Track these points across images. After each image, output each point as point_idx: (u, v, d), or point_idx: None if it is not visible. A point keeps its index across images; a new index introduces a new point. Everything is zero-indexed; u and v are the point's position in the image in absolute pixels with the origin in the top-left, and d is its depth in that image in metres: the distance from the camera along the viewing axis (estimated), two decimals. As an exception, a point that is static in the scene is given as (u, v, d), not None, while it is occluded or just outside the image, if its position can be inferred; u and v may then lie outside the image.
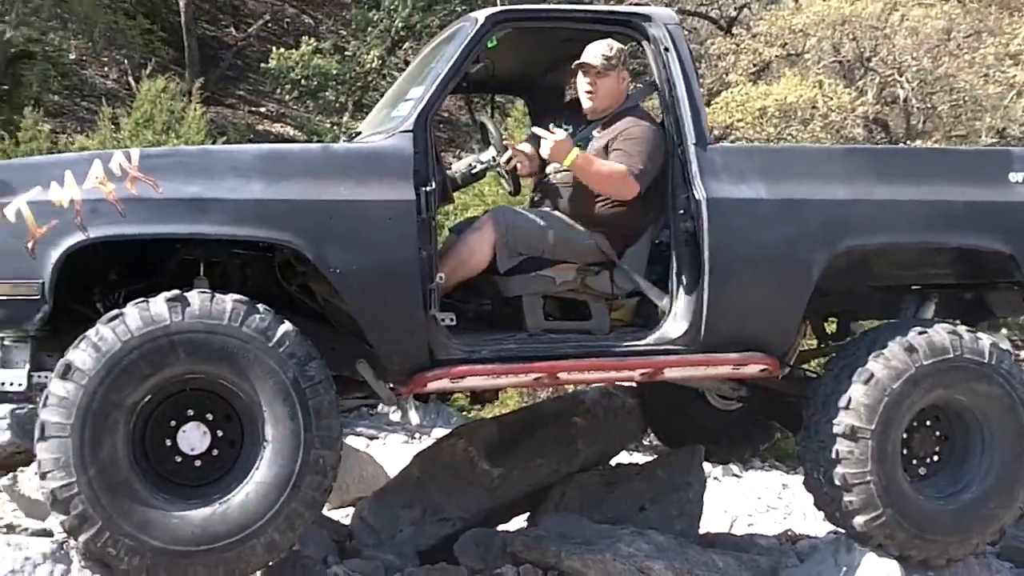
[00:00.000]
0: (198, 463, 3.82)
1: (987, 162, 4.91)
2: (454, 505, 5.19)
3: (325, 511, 5.68)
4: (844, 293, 5.00)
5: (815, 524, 6.23)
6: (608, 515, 5.18)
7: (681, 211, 4.39)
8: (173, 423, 3.80)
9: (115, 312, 3.71)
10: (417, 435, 8.46)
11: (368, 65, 14.66)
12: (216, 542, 3.68)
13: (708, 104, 13.41)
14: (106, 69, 15.66)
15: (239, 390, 3.78)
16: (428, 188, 4.08)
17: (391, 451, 7.47)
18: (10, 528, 4.77)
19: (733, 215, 4.35)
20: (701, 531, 5.41)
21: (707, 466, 5.92)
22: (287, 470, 3.77)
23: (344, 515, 5.77)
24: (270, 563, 3.85)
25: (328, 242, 3.94)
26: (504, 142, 4.78)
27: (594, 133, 4.68)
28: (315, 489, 3.82)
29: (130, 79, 14.78)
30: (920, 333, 4.45)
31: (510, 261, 4.50)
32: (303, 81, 14.71)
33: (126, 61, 15.21)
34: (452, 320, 4.31)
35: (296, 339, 3.82)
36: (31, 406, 5.89)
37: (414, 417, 8.94)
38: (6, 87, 12.99)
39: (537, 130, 4.63)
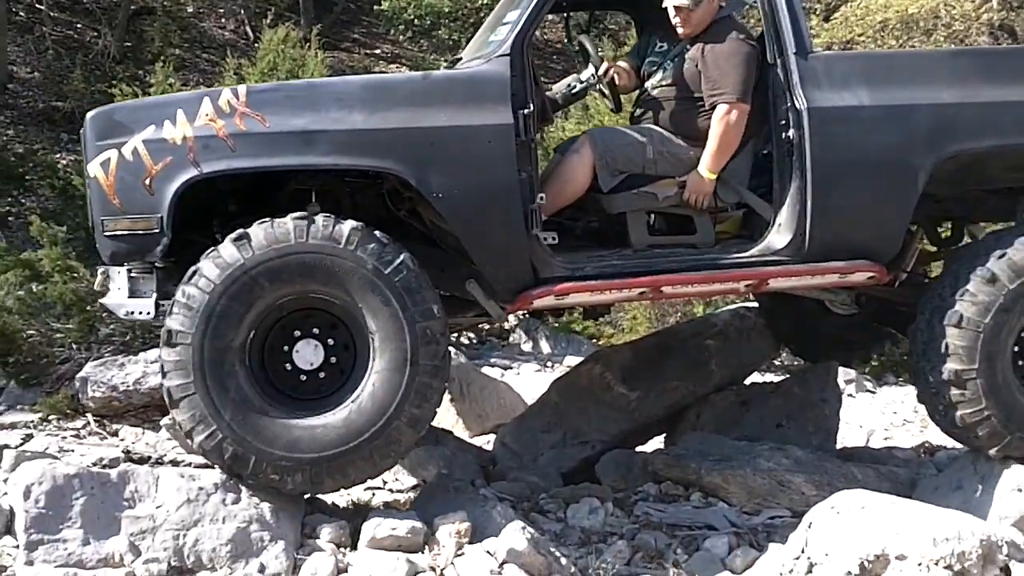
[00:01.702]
0: (321, 375, 4.02)
1: None
2: (593, 428, 5.33)
3: (467, 438, 5.93)
4: (956, 198, 4.95)
5: (952, 436, 6.21)
6: (745, 433, 5.27)
7: (783, 121, 4.38)
8: (285, 347, 3.99)
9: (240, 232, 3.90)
10: (550, 363, 8.60)
11: (480, 1, 14.67)
12: (362, 435, 3.89)
13: (827, 19, 13.13)
14: (223, 20, 15.96)
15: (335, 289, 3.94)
16: (526, 111, 4.13)
17: (526, 380, 7.61)
18: (175, 463, 5.08)
19: (835, 123, 4.33)
20: (838, 446, 5.46)
21: (842, 382, 5.95)
22: (401, 352, 3.91)
23: (486, 442, 5.95)
24: (419, 436, 4.05)
25: (430, 168, 4.05)
26: (601, 59, 4.81)
27: (687, 45, 4.66)
28: (432, 358, 3.95)
29: (247, 29, 15.07)
30: None
31: (612, 180, 4.55)
32: (416, 21, 14.76)
33: (242, 11, 15.48)
34: (555, 239, 4.34)
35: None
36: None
37: (545, 346, 9.17)
38: (129, 44, 13.37)
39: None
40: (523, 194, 4.14)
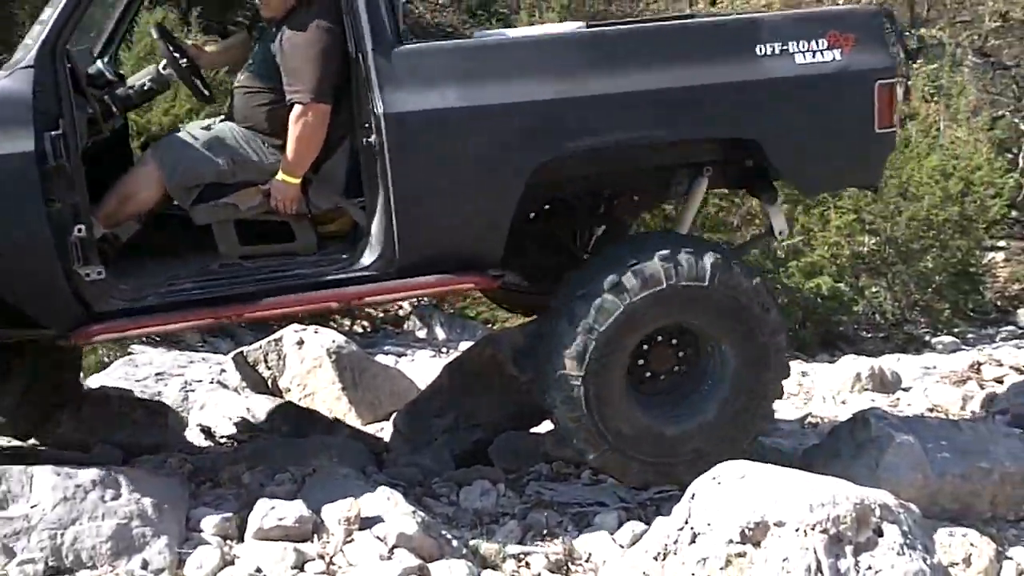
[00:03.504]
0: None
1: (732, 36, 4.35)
2: (485, 411, 5.31)
3: (360, 426, 5.90)
4: (604, 176, 4.63)
5: (834, 408, 6.38)
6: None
7: (366, 124, 4.01)
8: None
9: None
10: (444, 349, 8.61)
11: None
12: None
13: (713, 3, 13.27)
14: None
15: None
16: (56, 132, 3.75)
17: (420, 367, 7.60)
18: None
19: (417, 129, 3.96)
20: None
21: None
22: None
23: (379, 429, 5.92)
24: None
25: None
26: (175, 48, 4.49)
27: (273, 30, 4.30)
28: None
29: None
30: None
31: (187, 196, 4.23)
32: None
33: None
34: (100, 274, 3.92)
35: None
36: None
37: (440, 332, 9.17)
38: None
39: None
40: (57, 227, 3.80)
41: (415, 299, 7.75)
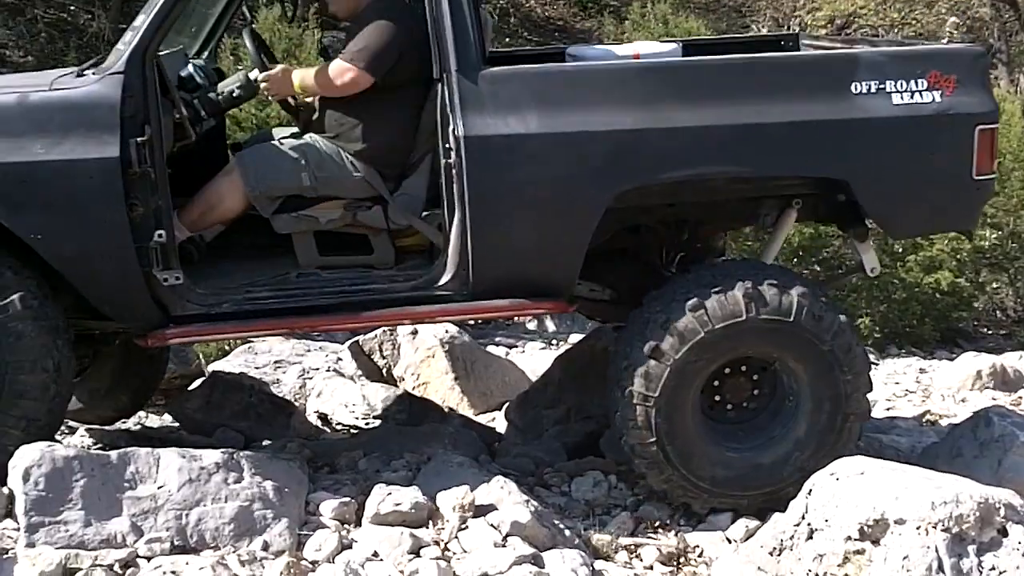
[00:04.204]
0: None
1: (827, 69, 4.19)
2: (597, 403, 5.34)
3: (472, 416, 5.96)
4: (692, 205, 4.53)
5: (953, 405, 6.25)
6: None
7: (447, 145, 3.98)
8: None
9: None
10: (554, 341, 8.62)
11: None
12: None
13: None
14: None
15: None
16: (142, 138, 3.80)
17: (530, 358, 7.64)
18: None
19: (495, 153, 3.93)
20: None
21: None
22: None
23: (490, 419, 5.97)
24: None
25: (23, 206, 3.79)
26: (267, 59, 4.47)
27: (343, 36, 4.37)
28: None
29: (244, 8, 15.01)
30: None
31: (269, 206, 4.25)
32: None
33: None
34: (178, 279, 3.97)
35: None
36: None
37: (550, 324, 9.18)
38: (123, 26, 13.20)
39: (255, 75, 4.32)
40: (139, 231, 3.86)
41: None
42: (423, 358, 6.30)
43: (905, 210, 4.26)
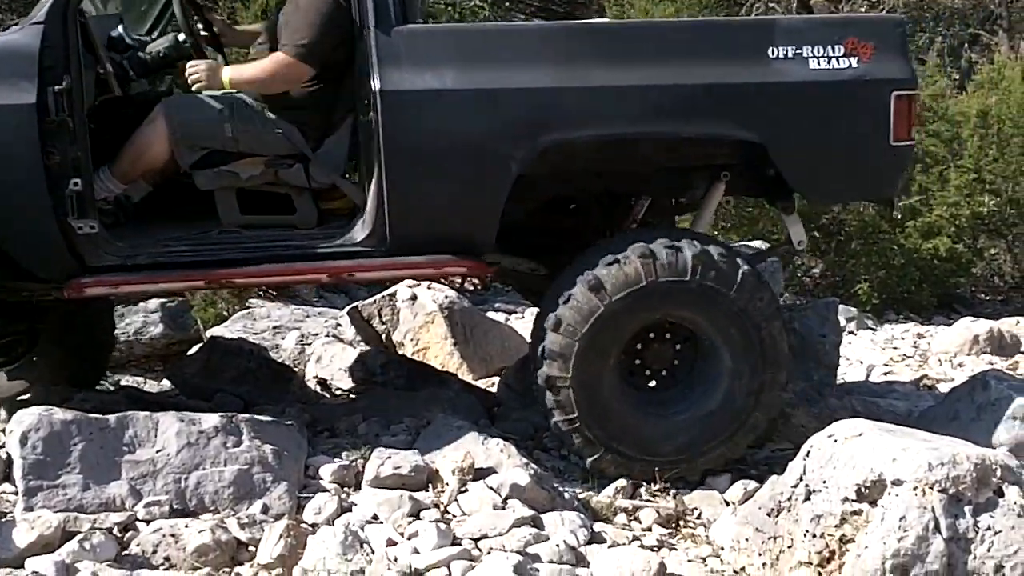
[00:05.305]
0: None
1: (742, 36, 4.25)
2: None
3: (471, 381, 5.97)
4: (621, 175, 4.56)
5: (950, 370, 6.26)
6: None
7: (365, 102, 4.03)
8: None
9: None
10: (553, 308, 8.59)
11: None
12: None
13: None
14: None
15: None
16: (60, 87, 3.84)
17: (529, 324, 7.59)
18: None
19: (411, 107, 3.96)
20: (839, 381, 5.47)
21: (843, 319, 5.97)
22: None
23: (490, 384, 5.98)
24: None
25: None
26: (195, 21, 4.53)
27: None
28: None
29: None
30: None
31: (191, 156, 4.28)
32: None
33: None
34: (93, 227, 3.99)
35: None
36: (180, 299, 6.28)
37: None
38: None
39: (187, 66, 4.33)
40: (55, 179, 3.90)
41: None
42: (422, 323, 6.29)
43: (823, 176, 4.29)
